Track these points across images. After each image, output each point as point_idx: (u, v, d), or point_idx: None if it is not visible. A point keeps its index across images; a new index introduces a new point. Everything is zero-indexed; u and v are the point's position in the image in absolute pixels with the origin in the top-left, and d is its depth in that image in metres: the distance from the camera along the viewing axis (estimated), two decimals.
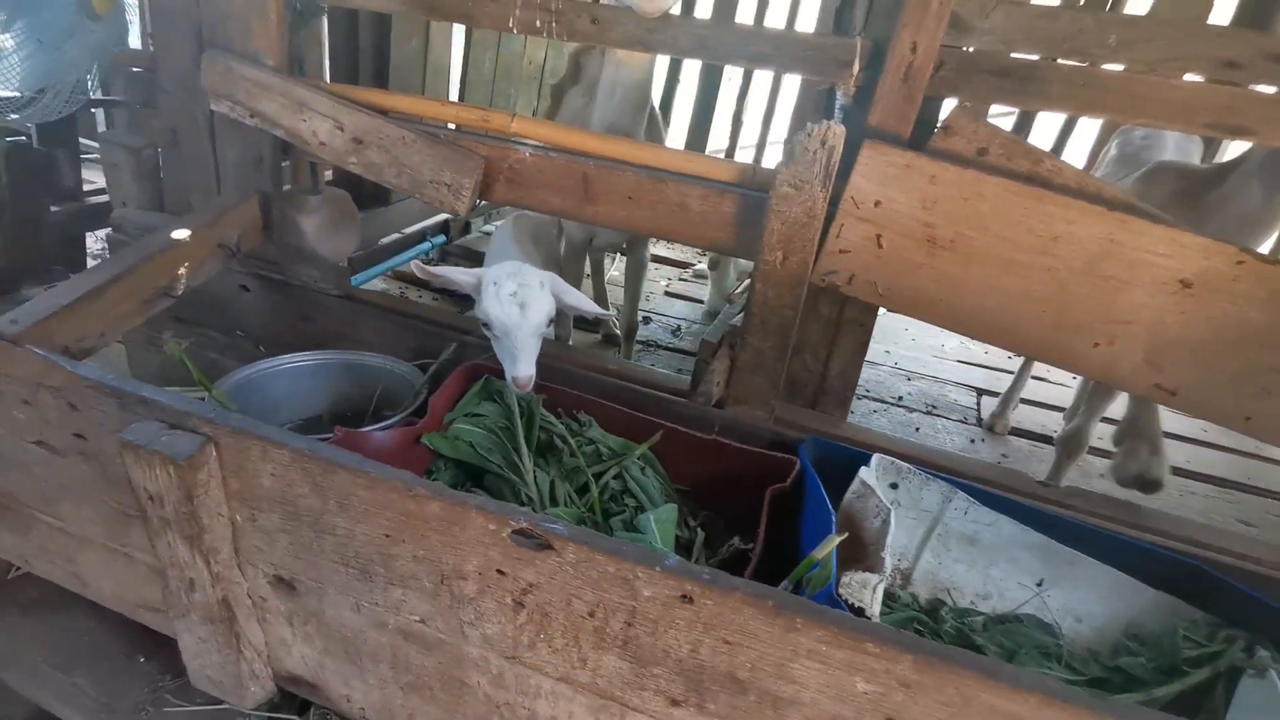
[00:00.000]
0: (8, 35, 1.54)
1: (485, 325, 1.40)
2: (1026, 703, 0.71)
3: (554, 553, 0.87)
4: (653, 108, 2.04)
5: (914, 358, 3.50)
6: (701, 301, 3.79)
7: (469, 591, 0.95)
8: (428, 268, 1.42)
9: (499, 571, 0.91)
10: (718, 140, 4.89)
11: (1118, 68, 1.15)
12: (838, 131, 1.16)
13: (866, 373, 3.08)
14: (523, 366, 1.36)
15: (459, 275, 1.44)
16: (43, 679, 1.35)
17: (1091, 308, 1.21)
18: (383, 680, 1.12)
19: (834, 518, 1.06)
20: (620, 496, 1.36)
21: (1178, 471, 2.64)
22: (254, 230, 1.72)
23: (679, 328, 3.47)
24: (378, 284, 3.38)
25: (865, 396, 3.05)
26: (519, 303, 1.36)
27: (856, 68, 1.24)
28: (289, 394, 1.63)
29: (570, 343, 2.87)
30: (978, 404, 3.12)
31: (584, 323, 3.27)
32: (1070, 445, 2.18)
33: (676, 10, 1.42)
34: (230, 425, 1.02)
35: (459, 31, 3.75)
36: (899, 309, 1.34)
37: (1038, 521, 1.24)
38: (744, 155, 4.90)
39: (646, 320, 3.46)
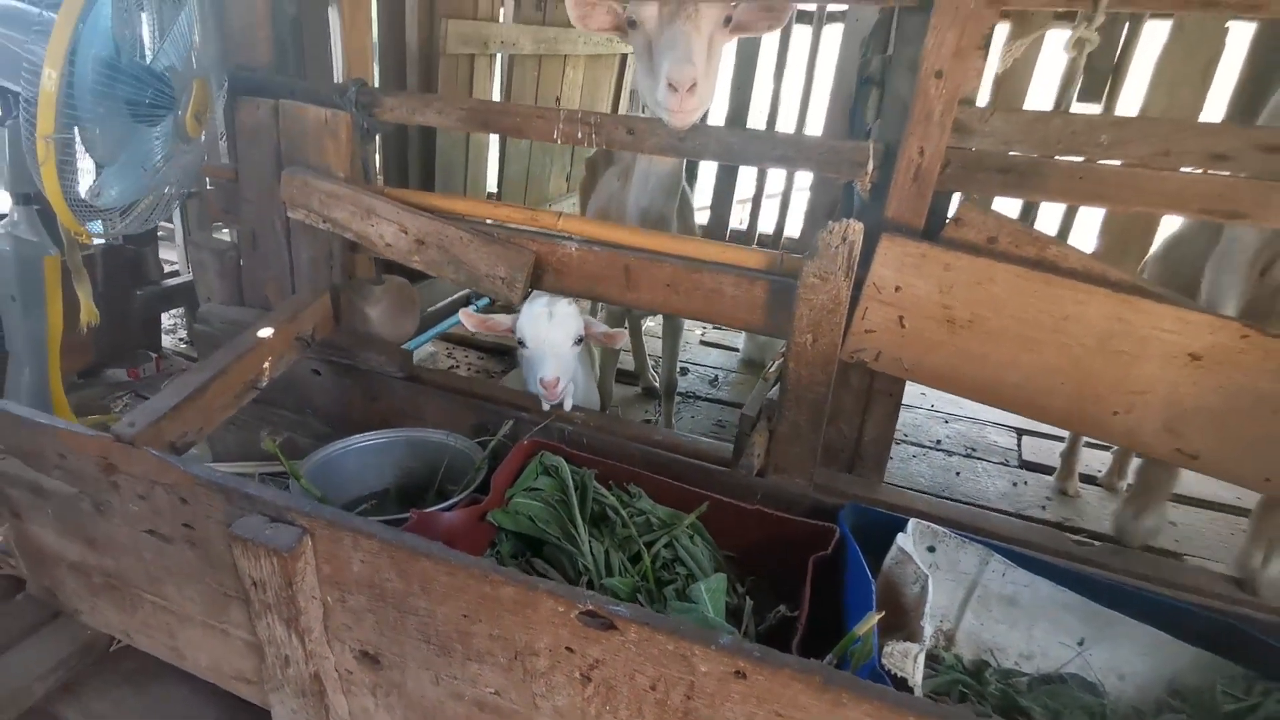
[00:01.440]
0: (113, 167, 1.72)
1: (520, 343, 1.63)
2: None
3: (618, 632, 0.96)
4: (683, 189, 2.19)
5: (951, 399, 3.51)
6: (736, 349, 3.88)
7: (540, 666, 1.05)
8: (473, 313, 1.69)
9: (568, 649, 1.01)
10: (744, 189, 5.04)
11: (1114, 162, 1.24)
12: (856, 228, 1.27)
13: (903, 416, 3.07)
14: (549, 369, 1.54)
15: (501, 318, 1.70)
16: None
17: (1107, 380, 1.28)
18: None
19: (874, 588, 1.13)
20: (671, 565, 1.44)
21: (1228, 508, 2.60)
22: (326, 321, 1.89)
23: (716, 377, 3.56)
24: (426, 347, 3.56)
25: (903, 441, 3.07)
26: (548, 312, 1.59)
27: (871, 167, 1.35)
28: (359, 469, 1.77)
29: (612, 396, 2.98)
30: (1018, 444, 3.11)
31: (624, 375, 3.39)
32: None
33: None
34: (325, 518, 1.14)
35: None
36: (925, 382, 1.43)
37: (1075, 582, 1.27)
38: (770, 204, 5.03)
39: (684, 371, 3.55)
